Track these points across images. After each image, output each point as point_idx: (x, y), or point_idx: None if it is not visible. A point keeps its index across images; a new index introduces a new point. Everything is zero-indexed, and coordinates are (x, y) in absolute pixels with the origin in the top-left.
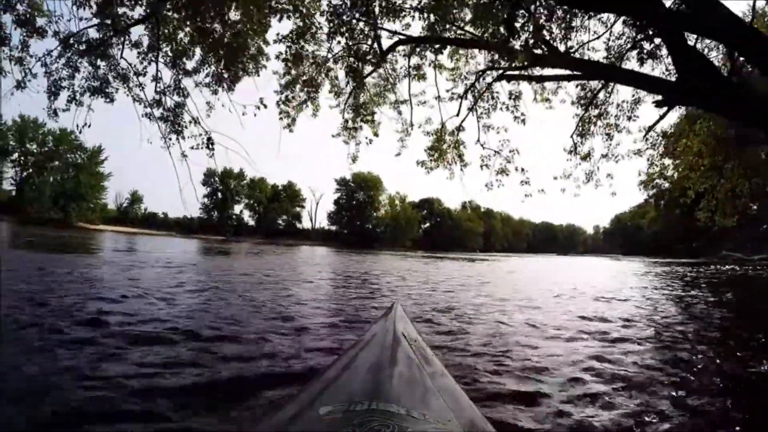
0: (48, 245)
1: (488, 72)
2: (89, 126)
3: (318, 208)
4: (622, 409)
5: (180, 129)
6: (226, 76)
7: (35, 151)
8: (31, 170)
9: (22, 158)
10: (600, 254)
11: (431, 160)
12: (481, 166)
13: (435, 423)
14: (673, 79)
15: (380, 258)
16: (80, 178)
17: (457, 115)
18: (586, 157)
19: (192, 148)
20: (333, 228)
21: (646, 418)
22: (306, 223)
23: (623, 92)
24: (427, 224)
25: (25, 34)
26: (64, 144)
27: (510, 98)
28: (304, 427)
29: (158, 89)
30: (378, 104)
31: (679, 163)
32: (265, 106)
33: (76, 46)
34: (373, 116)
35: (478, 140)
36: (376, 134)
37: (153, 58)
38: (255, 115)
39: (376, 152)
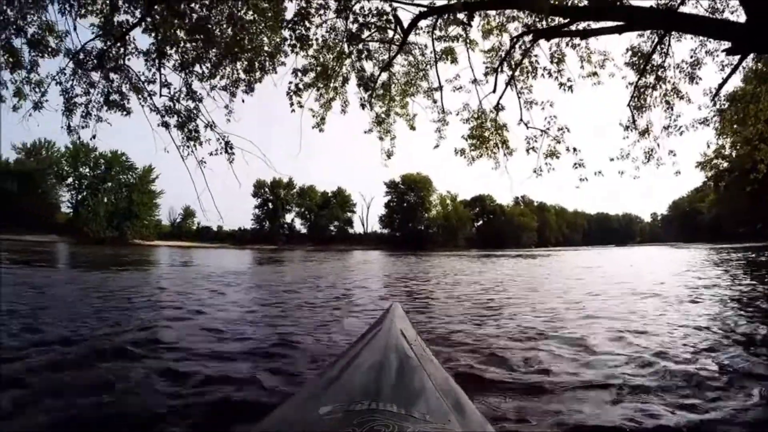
0: (105, 263)
1: (525, 38)
2: (94, 137)
3: (369, 212)
4: None
5: (196, 135)
6: (243, 77)
7: (88, 174)
8: (85, 192)
9: (77, 182)
10: (659, 243)
11: (472, 149)
12: (527, 150)
13: (435, 423)
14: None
15: (433, 259)
16: (133, 197)
17: (494, 91)
18: (645, 132)
19: (211, 154)
20: (385, 231)
21: None
22: (358, 228)
23: (679, 53)
24: (480, 222)
25: (35, 54)
26: (115, 166)
27: (552, 62)
28: (304, 427)
29: (165, 94)
30: (410, 94)
31: (747, 134)
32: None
33: (87, 61)
34: (406, 107)
35: (521, 119)
36: (412, 127)
37: (162, 64)
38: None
39: (421, 149)
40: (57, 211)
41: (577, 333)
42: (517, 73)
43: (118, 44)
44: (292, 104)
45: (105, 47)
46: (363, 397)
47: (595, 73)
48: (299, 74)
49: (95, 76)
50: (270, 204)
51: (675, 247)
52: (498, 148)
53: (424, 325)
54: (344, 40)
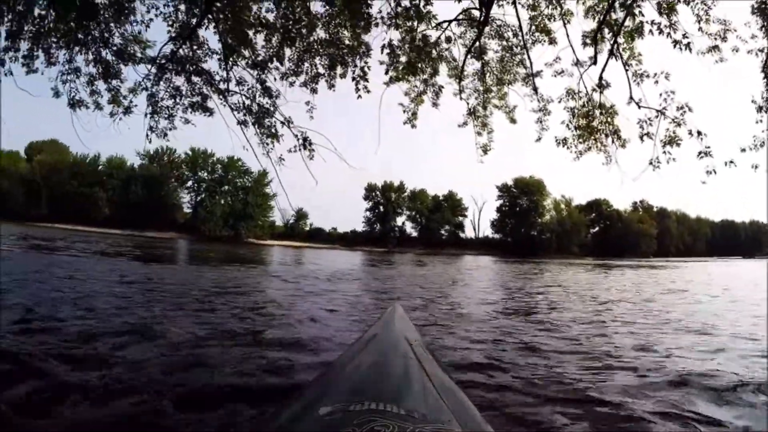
0: (220, 258)
1: None
2: (165, 135)
3: (481, 216)
4: None
5: (274, 132)
6: (322, 72)
7: (207, 178)
8: (203, 195)
9: (196, 185)
10: None
11: (580, 141)
12: (641, 137)
13: (435, 423)
14: None
15: (545, 267)
16: (248, 199)
17: (594, 63)
18: None
19: (289, 151)
20: (497, 236)
21: None
22: (469, 232)
23: None
24: (596, 228)
25: (118, 63)
26: (232, 170)
27: (661, 13)
28: (304, 427)
29: (240, 92)
30: (507, 82)
31: None
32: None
33: (166, 65)
34: (504, 98)
35: (631, 98)
36: (512, 120)
37: (235, 62)
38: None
39: (528, 145)
40: (178, 211)
41: None
42: (620, 39)
43: (193, 46)
44: (358, 89)
45: (175, 48)
46: (363, 397)
47: (716, 47)
48: (363, 57)
49: (178, 80)
50: (381, 207)
51: None
52: (607, 137)
53: None
54: (418, 19)
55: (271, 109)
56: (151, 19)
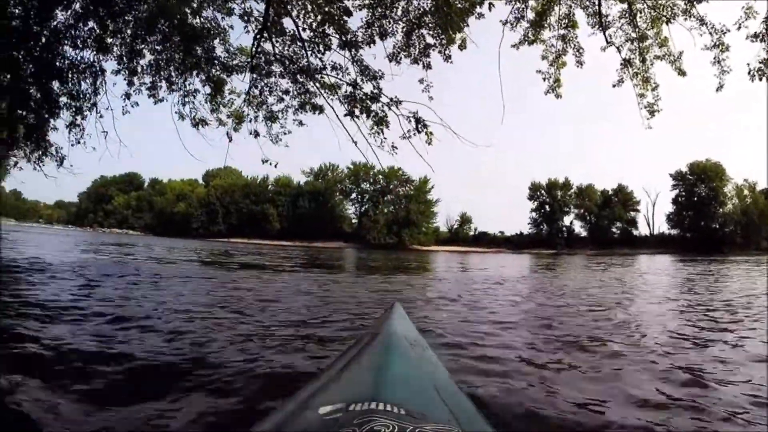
0: (385, 266)
1: None
2: (277, 138)
3: (655, 210)
4: None
5: (384, 118)
6: (431, 42)
7: (369, 189)
8: (367, 205)
9: (359, 196)
10: None
11: None
12: None
13: (435, 423)
14: None
15: (727, 269)
16: (410, 206)
17: None
18: None
19: (401, 137)
20: (674, 232)
21: None
22: (643, 229)
23: None
24: None
25: (220, 73)
26: (393, 180)
27: None
28: (304, 427)
29: (337, 77)
30: (665, 21)
31: None
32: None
33: (263, 69)
34: (665, 44)
35: None
36: (681, 72)
37: (327, 46)
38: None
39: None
40: (344, 222)
41: None
42: None
43: (285, 40)
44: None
45: (256, 46)
46: (363, 397)
47: None
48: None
49: (283, 83)
50: (547, 206)
51: None
52: None
53: None
54: None
55: (376, 91)
56: (231, 26)
